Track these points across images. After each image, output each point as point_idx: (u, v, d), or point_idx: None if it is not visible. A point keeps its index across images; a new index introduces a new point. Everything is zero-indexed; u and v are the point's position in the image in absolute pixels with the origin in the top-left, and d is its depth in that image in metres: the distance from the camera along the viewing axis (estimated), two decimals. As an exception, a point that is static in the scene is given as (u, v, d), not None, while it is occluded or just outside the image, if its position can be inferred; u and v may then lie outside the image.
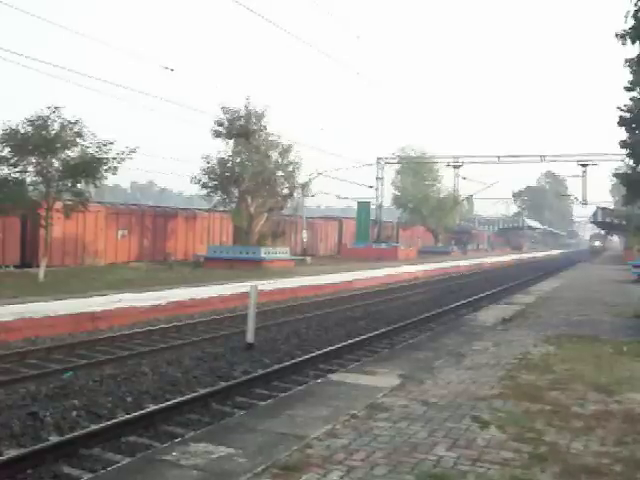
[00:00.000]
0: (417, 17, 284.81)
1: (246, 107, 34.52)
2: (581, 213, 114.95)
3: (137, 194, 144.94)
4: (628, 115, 26.33)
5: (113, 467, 5.64)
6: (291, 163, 35.55)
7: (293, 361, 12.70)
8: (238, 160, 34.50)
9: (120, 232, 32.91)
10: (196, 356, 13.25)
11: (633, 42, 14.83)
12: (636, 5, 14.15)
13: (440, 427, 6.16)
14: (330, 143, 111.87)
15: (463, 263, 48.72)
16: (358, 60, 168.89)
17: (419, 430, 6.05)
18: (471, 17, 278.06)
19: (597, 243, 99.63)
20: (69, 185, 23.57)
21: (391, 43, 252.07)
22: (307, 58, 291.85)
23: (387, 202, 62.69)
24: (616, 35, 15.04)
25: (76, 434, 7.97)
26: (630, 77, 24.35)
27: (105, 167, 23.52)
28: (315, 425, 6.09)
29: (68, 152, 23.40)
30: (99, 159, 23.32)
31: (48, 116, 22.78)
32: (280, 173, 35.53)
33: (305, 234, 46.74)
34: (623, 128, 26.85)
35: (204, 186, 34.57)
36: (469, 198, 70.89)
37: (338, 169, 50.63)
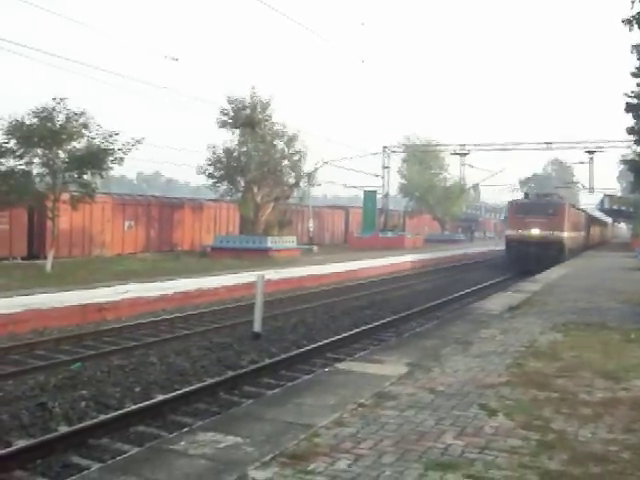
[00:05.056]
0: (422, 3, 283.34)
1: (251, 97, 34.46)
2: (588, 201, 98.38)
3: (143, 185, 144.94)
4: (635, 101, 26.20)
5: (122, 457, 5.66)
6: (297, 152, 35.48)
7: (300, 350, 12.74)
8: (244, 150, 34.44)
9: (127, 223, 32.94)
10: (203, 346, 13.29)
11: (640, 27, 14.73)
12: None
13: (447, 415, 6.15)
14: (336, 132, 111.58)
15: (469, 251, 48.63)
16: (363, 47, 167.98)
17: (426, 418, 6.05)
18: (477, 4, 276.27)
19: (536, 231, 33.62)
20: (75, 176, 23.59)
21: (396, 30, 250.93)
22: (312, 46, 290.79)
23: (393, 191, 62.60)
24: (623, 21, 14.95)
25: (85, 424, 8.02)
26: (637, 63, 24.23)
27: (111, 158, 23.54)
28: (322, 414, 6.09)
29: (74, 143, 23.41)
30: (105, 150, 23.33)
31: (53, 108, 22.78)
32: (286, 162, 35.48)
33: (311, 223, 46.71)
34: (630, 114, 26.73)
35: (210, 176, 34.54)
36: (475, 186, 70.60)
37: (344, 158, 50.51)
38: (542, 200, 36.85)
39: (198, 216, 37.95)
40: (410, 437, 5.50)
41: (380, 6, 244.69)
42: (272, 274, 22.08)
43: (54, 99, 22.82)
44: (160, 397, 9.37)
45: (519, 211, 35.16)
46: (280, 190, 35.68)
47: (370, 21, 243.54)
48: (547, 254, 32.12)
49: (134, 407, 8.81)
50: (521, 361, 8.61)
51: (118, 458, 5.60)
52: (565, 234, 34.08)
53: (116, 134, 23.47)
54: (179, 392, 9.55)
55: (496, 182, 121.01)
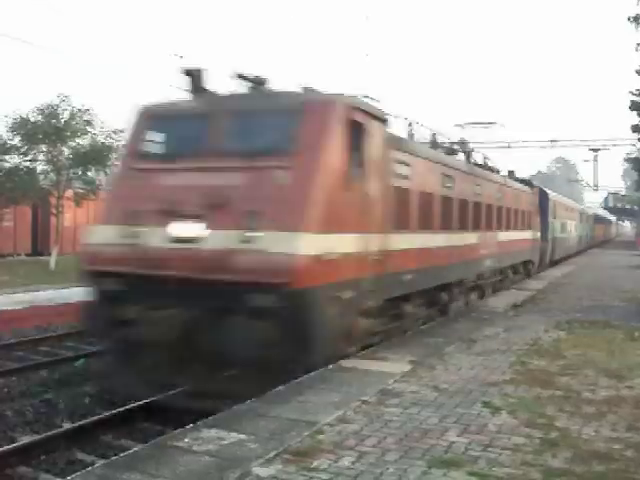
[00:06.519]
0: None
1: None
2: (592, 199, 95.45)
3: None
4: (640, 99, 26.12)
5: (126, 453, 5.67)
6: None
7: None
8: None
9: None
10: (207, 342, 13.26)
11: (645, 25, 14.71)
12: (649, -12, 14.02)
13: (451, 413, 6.15)
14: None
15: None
16: (367, 42, 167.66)
17: (430, 416, 6.05)
18: (482, 1, 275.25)
19: (187, 229, 7.61)
20: (79, 173, 23.67)
21: (400, 25, 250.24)
22: (317, 41, 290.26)
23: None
24: (629, 18, 14.93)
25: (89, 421, 8.02)
26: (642, 61, 24.13)
27: (115, 155, 23.58)
28: (326, 411, 6.09)
29: (78, 140, 23.48)
30: (109, 147, 23.38)
31: (58, 105, 22.83)
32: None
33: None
34: (635, 112, 26.65)
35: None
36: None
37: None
38: (229, 102, 9.15)
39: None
40: (414, 434, 5.51)
41: (385, 1, 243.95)
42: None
43: (58, 96, 22.90)
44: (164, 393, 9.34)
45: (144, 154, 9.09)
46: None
47: (375, 16, 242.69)
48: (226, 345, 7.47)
49: (138, 403, 8.80)
50: (525, 359, 8.60)
51: (122, 454, 5.61)
52: (303, 241, 7.38)
53: (120, 131, 23.52)
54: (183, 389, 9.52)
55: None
